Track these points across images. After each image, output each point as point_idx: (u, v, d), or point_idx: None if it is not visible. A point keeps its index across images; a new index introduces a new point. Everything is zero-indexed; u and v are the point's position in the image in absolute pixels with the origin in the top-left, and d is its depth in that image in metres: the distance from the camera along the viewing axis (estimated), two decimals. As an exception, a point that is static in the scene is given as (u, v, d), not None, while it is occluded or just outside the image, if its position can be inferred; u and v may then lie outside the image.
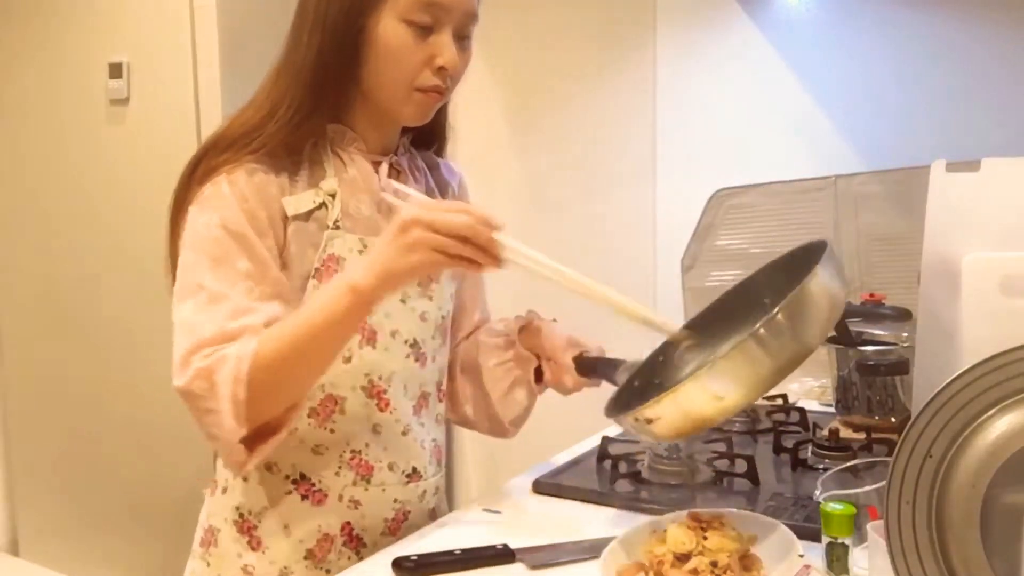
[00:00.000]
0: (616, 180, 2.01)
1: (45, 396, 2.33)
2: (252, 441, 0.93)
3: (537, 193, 2.13)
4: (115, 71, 2.04)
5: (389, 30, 0.97)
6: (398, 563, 0.93)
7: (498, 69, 2.15)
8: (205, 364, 0.89)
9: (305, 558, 1.03)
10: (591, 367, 1.12)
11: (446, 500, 1.20)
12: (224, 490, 1.06)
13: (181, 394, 0.91)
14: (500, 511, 1.10)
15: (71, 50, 2.13)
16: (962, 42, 1.62)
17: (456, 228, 0.87)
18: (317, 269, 1.00)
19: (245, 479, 1.04)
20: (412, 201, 0.99)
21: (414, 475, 1.09)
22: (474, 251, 0.88)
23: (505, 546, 0.95)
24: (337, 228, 1.01)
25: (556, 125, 2.09)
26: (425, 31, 0.98)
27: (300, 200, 1.00)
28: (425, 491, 1.11)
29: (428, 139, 1.16)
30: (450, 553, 0.93)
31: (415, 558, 0.93)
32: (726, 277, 1.78)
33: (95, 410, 2.21)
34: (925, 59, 1.65)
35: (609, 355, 1.13)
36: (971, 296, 0.82)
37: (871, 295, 1.50)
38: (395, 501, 1.07)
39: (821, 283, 0.83)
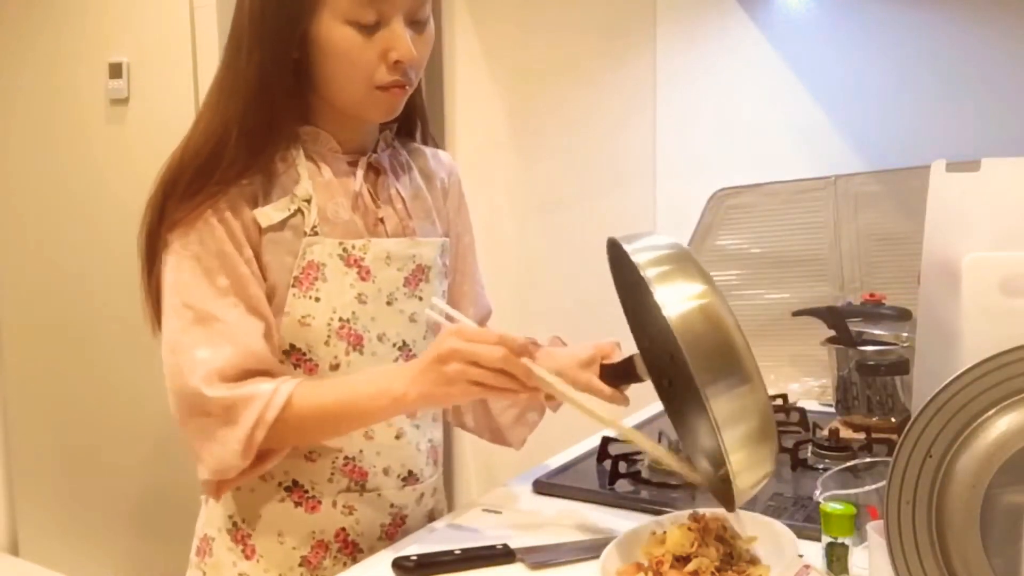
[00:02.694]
0: (616, 180, 2.01)
1: (45, 396, 2.33)
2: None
3: (537, 193, 2.13)
4: (115, 71, 2.04)
5: (334, 33, 0.93)
6: (398, 563, 0.93)
7: (498, 69, 2.16)
8: (228, 395, 0.91)
9: (300, 565, 1.02)
10: (614, 375, 1.06)
11: (445, 500, 1.18)
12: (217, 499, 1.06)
13: (194, 399, 0.92)
14: (500, 511, 1.10)
15: (71, 50, 2.13)
16: (962, 42, 1.62)
17: (494, 362, 0.88)
18: (296, 277, 0.98)
19: (238, 487, 1.03)
20: (454, 324, 0.97)
21: (410, 478, 1.07)
22: (509, 381, 0.90)
23: (505, 546, 0.95)
24: (315, 234, 0.98)
25: (556, 125, 2.09)
26: (372, 28, 0.93)
27: (273, 209, 0.97)
28: (423, 494, 1.10)
29: (408, 126, 1.13)
30: (450, 553, 0.93)
31: (415, 558, 0.93)
32: (726, 277, 1.78)
33: (95, 410, 2.21)
34: (925, 59, 1.65)
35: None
36: (971, 296, 0.81)
37: (871, 295, 1.50)
38: (391, 506, 1.06)
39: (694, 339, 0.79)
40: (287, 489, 1.02)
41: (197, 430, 0.94)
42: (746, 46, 1.82)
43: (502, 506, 1.12)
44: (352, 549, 1.04)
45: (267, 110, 0.95)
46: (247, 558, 1.02)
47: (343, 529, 1.03)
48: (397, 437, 1.05)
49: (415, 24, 0.96)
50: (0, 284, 2.38)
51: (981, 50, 1.60)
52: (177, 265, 0.95)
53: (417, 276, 1.05)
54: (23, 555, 2.44)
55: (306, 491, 1.02)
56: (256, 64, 0.94)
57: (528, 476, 1.21)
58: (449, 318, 1.00)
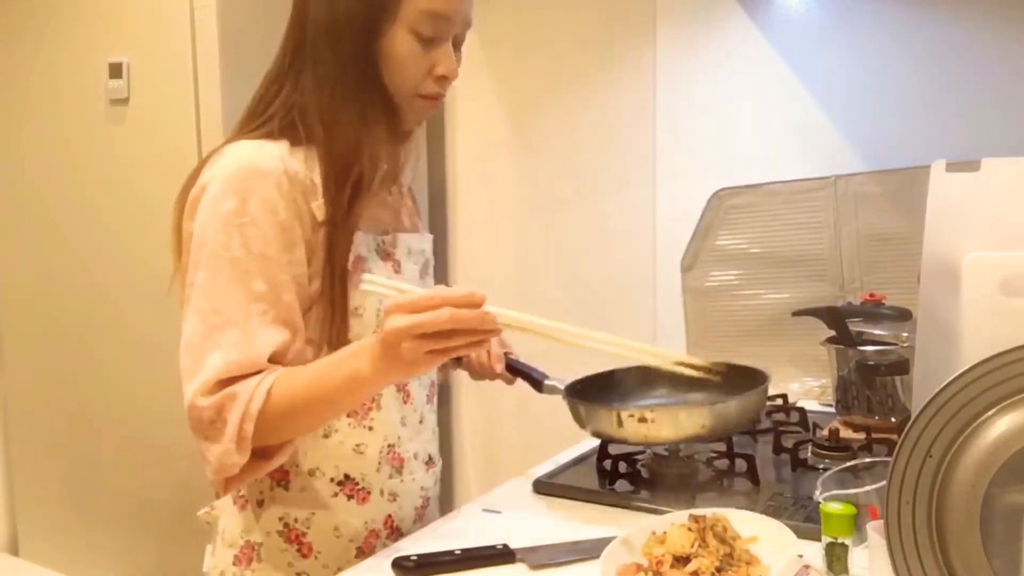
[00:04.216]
0: (616, 180, 2.01)
1: (45, 396, 2.33)
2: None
3: (537, 193, 2.13)
4: (115, 71, 2.04)
5: (399, 42, 1.00)
6: (398, 563, 0.93)
7: (498, 69, 2.15)
8: (216, 399, 0.92)
9: (355, 557, 1.05)
10: (517, 370, 1.23)
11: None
12: (259, 503, 1.05)
13: (191, 411, 0.94)
14: (500, 511, 1.11)
15: (71, 50, 2.13)
16: (963, 42, 1.62)
17: (442, 325, 0.84)
18: (346, 270, 1.01)
19: (286, 488, 1.04)
20: (394, 296, 0.92)
21: (431, 462, 1.14)
22: (467, 336, 0.87)
23: (505, 546, 0.95)
24: (358, 229, 1.02)
25: (556, 125, 2.09)
26: (429, 42, 1.01)
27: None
28: (437, 477, 1.16)
29: None
30: (450, 553, 0.93)
31: (415, 558, 0.93)
32: (726, 277, 1.78)
33: (95, 410, 2.21)
34: (925, 59, 1.65)
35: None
36: (971, 296, 0.81)
37: (871, 295, 1.50)
38: (421, 489, 1.12)
39: None
40: (339, 483, 1.05)
41: (200, 433, 0.95)
42: (746, 46, 1.82)
43: (502, 506, 1.12)
44: (396, 535, 1.08)
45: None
46: (304, 556, 1.04)
47: (389, 516, 1.08)
48: (420, 422, 1.12)
49: (456, 44, 1.05)
50: (0, 284, 2.38)
51: (980, 50, 1.60)
52: (215, 267, 0.95)
53: (425, 269, 1.14)
54: (23, 555, 2.44)
55: (357, 483, 1.05)
56: (331, 79, 1.00)
57: (528, 476, 1.21)
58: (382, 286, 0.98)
